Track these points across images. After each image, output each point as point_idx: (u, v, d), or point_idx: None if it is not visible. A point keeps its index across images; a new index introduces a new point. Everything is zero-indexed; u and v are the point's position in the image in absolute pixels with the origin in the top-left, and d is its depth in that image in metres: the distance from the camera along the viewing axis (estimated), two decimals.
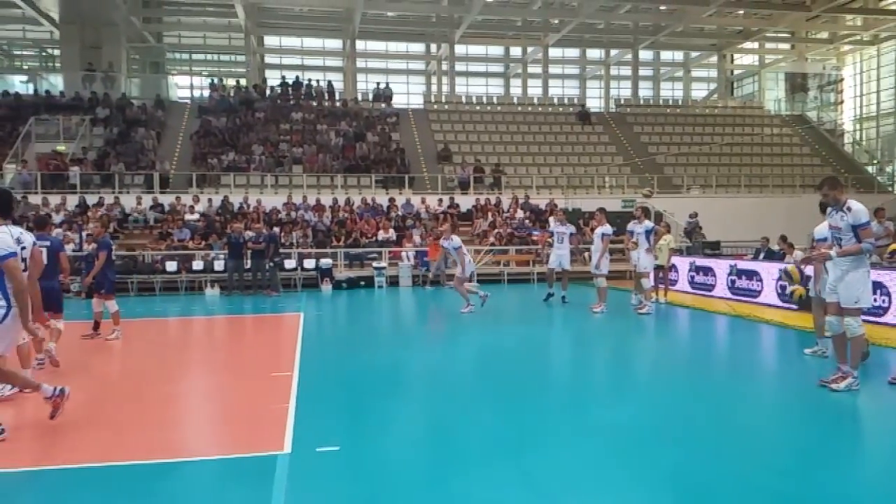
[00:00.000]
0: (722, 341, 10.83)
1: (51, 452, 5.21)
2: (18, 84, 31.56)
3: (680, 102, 38.57)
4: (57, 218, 19.68)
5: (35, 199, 21.44)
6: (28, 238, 6.02)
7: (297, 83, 31.66)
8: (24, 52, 39.93)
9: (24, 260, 5.80)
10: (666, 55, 43.98)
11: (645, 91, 41.94)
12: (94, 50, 30.74)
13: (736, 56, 43.53)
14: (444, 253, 14.86)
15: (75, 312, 12.30)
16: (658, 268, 14.18)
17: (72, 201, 21.47)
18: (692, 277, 16.57)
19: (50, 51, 37.85)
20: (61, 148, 24.79)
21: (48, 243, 8.31)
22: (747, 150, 32.20)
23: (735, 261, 15.64)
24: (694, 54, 43.11)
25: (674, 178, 29.04)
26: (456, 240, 13.27)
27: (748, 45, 39.89)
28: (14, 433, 5.58)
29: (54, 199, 21.37)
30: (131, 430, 5.74)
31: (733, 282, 15.01)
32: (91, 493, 4.35)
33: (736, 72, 45.15)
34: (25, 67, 38.37)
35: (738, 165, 30.84)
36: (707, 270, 16.06)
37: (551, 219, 16.63)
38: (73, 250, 17.34)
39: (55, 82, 30.83)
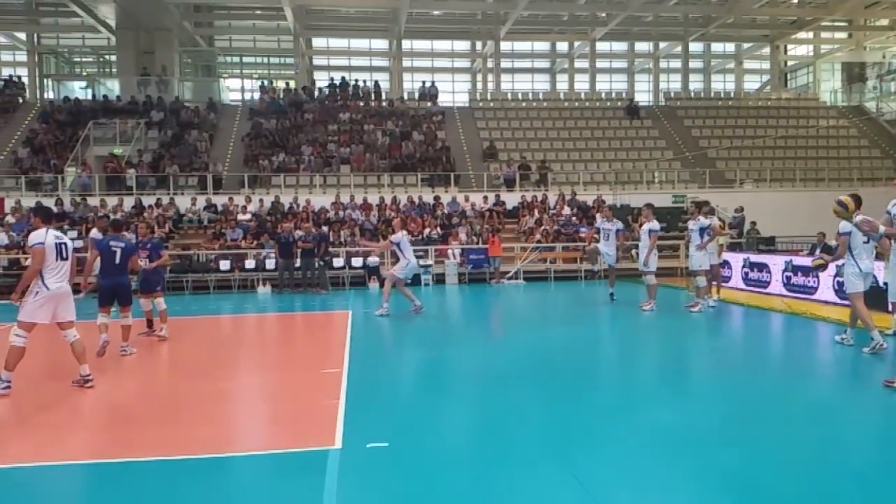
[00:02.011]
0: (777, 339, 10.57)
1: (111, 446, 5.40)
2: (78, 90, 32.67)
3: (732, 95, 37.67)
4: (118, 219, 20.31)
5: (93, 201, 22.22)
6: (66, 238, 7.30)
7: (345, 84, 32.04)
8: (84, 59, 41.37)
9: (63, 255, 7.09)
10: (717, 47, 43.00)
11: (695, 84, 41.07)
12: (148, 55, 31.66)
13: (789, 47, 42.29)
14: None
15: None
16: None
17: (128, 203, 22.16)
18: (746, 274, 16.21)
19: (107, 57, 39.10)
20: (118, 151, 25.62)
21: (122, 244, 9.19)
22: (802, 143, 31.27)
23: (790, 257, 15.24)
24: (746, 46, 42.03)
25: (726, 173, 28.41)
26: (399, 235, 13.15)
27: (802, 35, 38.68)
28: (77, 426, 5.82)
29: (112, 201, 22.09)
30: (188, 425, 5.92)
31: (789, 278, 14.62)
32: (150, 486, 4.50)
33: (789, 63, 43.83)
34: (84, 74, 39.71)
35: (793, 159, 29.98)
36: (761, 267, 15.68)
37: (598, 215, 16.46)
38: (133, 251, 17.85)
39: (112, 87, 31.83)
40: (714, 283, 14.13)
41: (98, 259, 9.15)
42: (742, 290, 15.93)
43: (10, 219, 20.81)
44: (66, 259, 7.14)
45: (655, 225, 13.13)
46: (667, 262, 18.55)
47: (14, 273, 17.98)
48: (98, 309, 9.19)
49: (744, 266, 16.31)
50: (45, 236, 6.98)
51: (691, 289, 13.32)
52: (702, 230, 12.64)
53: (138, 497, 4.31)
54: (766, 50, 41.16)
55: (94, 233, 15.02)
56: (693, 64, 40.71)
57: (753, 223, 22.06)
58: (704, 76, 43.66)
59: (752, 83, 43.94)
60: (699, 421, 5.75)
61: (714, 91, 39.73)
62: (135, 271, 10.08)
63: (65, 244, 7.18)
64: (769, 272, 15.33)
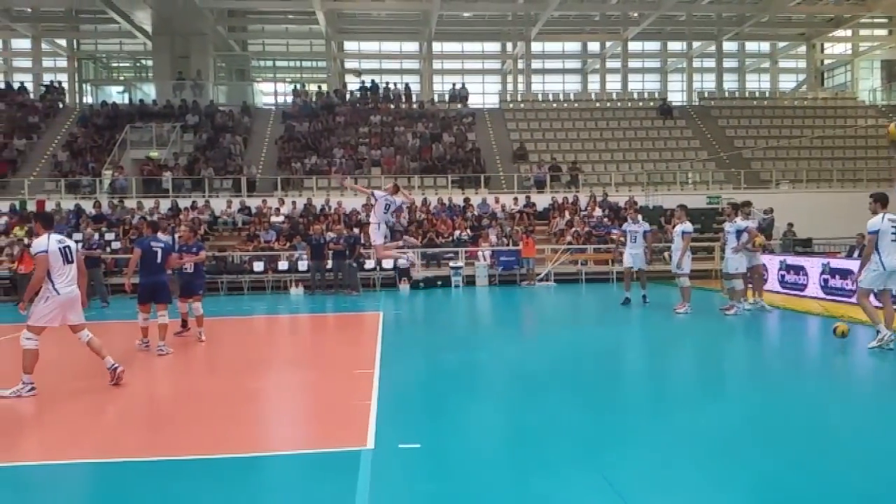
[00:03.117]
0: (815, 343, 10.38)
1: (147, 445, 5.50)
2: (115, 94, 33.39)
3: (767, 94, 37.03)
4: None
5: (130, 204, 22.67)
6: (69, 242, 7.38)
7: (375, 86, 32.24)
8: (121, 64, 42.24)
9: (69, 259, 7.15)
10: (751, 46, 42.33)
11: (730, 83, 40.47)
12: (183, 59, 32.18)
13: (826, 45, 41.46)
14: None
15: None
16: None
17: (164, 205, 22.56)
18: (782, 277, 15.93)
19: (143, 62, 39.86)
20: (154, 154, 26.10)
21: (162, 244, 9.61)
22: (840, 143, 30.60)
23: (828, 259, 14.94)
24: (781, 44, 41.32)
25: (762, 173, 27.95)
26: (381, 193, 11.69)
27: (840, 32, 37.90)
28: (112, 425, 5.96)
29: (148, 203, 22.51)
30: (223, 424, 6.01)
31: (826, 281, 14.34)
32: (187, 484, 4.58)
33: (826, 61, 42.96)
34: (122, 78, 40.54)
35: (830, 159, 29.36)
36: (798, 269, 15.40)
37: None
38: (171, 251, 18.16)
39: (148, 91, 32.43)
40: (750, 285, 13.82)
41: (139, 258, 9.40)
42: (778, 292, 15.66)
43: None
44: (72, 262, 7.20)
45: (689, 226, 12.97)
46: (701, 264, 18.32)
47: None
48: (138, 307, 9.41)
49: (780, 268, 16.03)
50: (47, 243, 6.99)
51: (725, 291, 13.13)
52: (738, 232, 12.44)
53: (172, 496, 4.39)
54: (802, 48, 40.41)
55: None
56: (727, 63, 40.13)
57: (790, 225, 21.67)
58: (739, 75, 43.00)
59: (787, 82, 43.18)
60: (733, 426, 5.68)
61: (749, 90, 39.11)
62: (172, 269, 10.29)
63: (69, 247, 7.23)
64: (806, 275, 15.05)
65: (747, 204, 13.17)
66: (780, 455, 4.94)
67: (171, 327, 9.99)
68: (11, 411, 6.53)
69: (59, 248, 7.08)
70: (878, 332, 8.58)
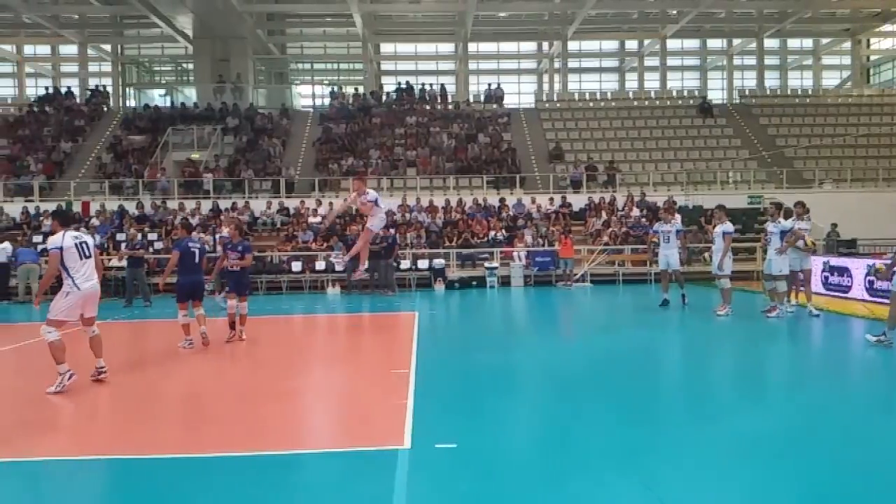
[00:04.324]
0: (859, 347, 10.10)
1: (183, 442, 5.63)
2: (158, 98, 34.13)
3: (810, 92, 36.18)
4: (192, 222, 21.13)
5: (172, 205, 23.15)
6: (86, 237, 7.54)
7: (411, 88, 32.38)
8: (163, 68, 43.19)
9: (85, 254, 7.29)
10: (794, 42, 41.48)
11: (771, 81, 39.70)
12: (223, 63, 32.77)
13: (872, 40, 40.38)
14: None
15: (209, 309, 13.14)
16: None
17: (205, 206, 22.98)
18: (826, 278, 15.55)
19: (185, 65, 40.68)
20: (195, 156, 26.62)
21: (198, 245, 9.93)
22: (886, 141, 29.73)
23: (873, 260, 14.52)
24: (825, 41, 40.38)
25: (804, 173, 27.34)
26: (371, 193, 11.72)
27: (887, 27, 36.88)
28: (148, 421, 6.11)
29: (189, 204, 22.97)
30: (261, 421, 6.10)
31: (871, 283, 13.95)
32: (227, 480, 4.66)
33: (872, 57, 41.83)
34: (163, 82, 41.43)
35: (876, 158, 28.59)
36: (842, 271, 15.03)
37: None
38: (207, 252, 18.48)
39: (189, 95, 33.10)
40: (802, 287, 13.41)
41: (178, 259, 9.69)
42: (822, 294, 15.29)
43: (94, 221, 21.88)
44: (90, 257, 7.35)
45: (729, 226, 12.72)
46: (742, 265, 17.99)
47: None
48: (178, 306, 9.65)
49: (823, 270, 15.66)
50: (61, 240, 7.12)
51: (767, 293, 12.86)
52: (782, 233, 12.15)
53: (213, 492, 4.47)
54: (847, 44, 39.44)
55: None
56: (768, 60, 39.37)
57: (834, 225, 21.16)
58: (781, 73, 42.17)
59: (831, 79, 42.18)
60: (776, 432, 5.56)
61: (791, 88, 38.26)
62: (208, 271, 10.56)
63: (85, 243, 7.37)
64: (850, 276, 14.67)
65: (800, 204, 12.75)
66: (824, 463, 4.84)
67: (221, 332, 10.25)
68: (52, 408, 6.71)
69: (76, 244, 7.22)
70: None
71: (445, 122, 29.55)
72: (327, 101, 33.01)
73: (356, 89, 34.29)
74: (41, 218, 22.12)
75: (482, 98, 32.76)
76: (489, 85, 33.72)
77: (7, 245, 18.07)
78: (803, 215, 12.58)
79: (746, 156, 28.09)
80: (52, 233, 7.50)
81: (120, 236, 20.75)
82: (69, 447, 5.55)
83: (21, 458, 5.13)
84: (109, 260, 18.35)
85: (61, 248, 7.11)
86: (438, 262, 19.73)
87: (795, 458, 4.94)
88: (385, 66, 42.56)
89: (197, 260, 9.72)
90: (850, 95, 35.07)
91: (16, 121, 30.01)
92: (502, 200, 23.69)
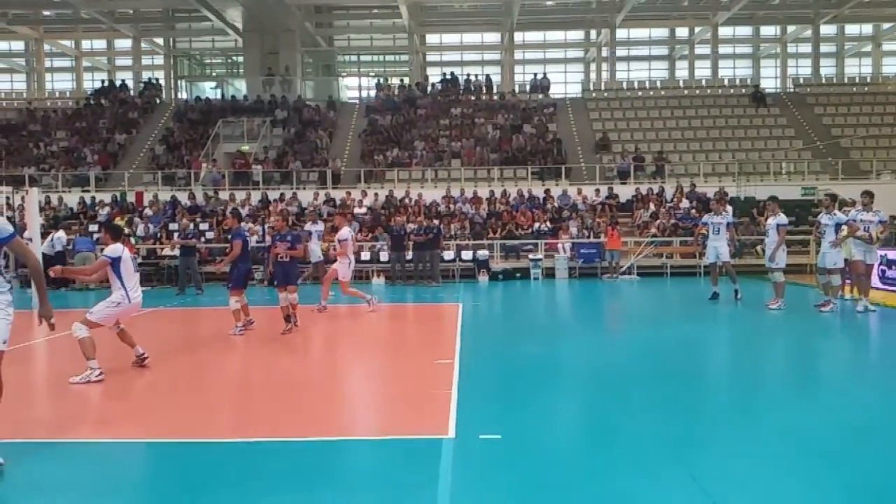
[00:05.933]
0: None
1: (241, 427, 5.76)
2: (208, 90, 34.83)
3: (868, 80, 34.86)
4: (242, 212, 21.53)
5: (223, 195, 23.62)
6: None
7: (455, 78, 32.31)
8: (214, 61, 44.02)
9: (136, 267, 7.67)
10: (851, 29, 40.02)
11: (827, 69, 38.40)
12: (272, 56, 33.23)
13: None
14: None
15: (258, 299, 13.39)
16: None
17: (255, 197, 23.39)
18: (883, 272, 14.99)
19: (235, 58, 41.38)
20: (244, 148, 27.09)
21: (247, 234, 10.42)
22: None
23: None
24: (886, 26, 38.82)
25: (861, 163, 26.41)
26: (345, 232, 12.67)
27: None
28: (195, 407, 6.26)
29: (240, 195, 23.40)
30: (308, 408, 6.21)
31: None
32: (274, 465, 4.74)
33: None
34: (214, 75, 42.24)
35: None
36: None
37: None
38: (257, 242, 18.84)
39: (239, 87, 33.66)
40: (849, 281, 13.03)
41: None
42: (878, 289, 14.75)
43: (148, 211, 22.47)
44: (138, 271, 7.85)
45: (783, 218, 12.38)
46: (795, 258, 17.49)
47: (150, 262, 19.34)
48: (232, 293, 9.86)
49: (881, 264, 15.11)
50: (121, 251, 7.33)
51: (821, 287, 12.48)
52: (837, 225, 11.77)
53: (260, 477, 4.52)
54: None
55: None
56: (824, 48, 38.09)
57: (892, 217, 20.38)
58: (837, 60, 40.76)
59: (891, 66, 40.56)
60: (827, 427, 5.41)
61: (848, 76, 36.95)
62: (258, 261, 10.86)
63: (134, 258, 7.92)
64: None
65: (867, 194, 12.21)
66: (876, 461, 4.68)
67: (276, 321, 10.40)
68: (109, 395, 6.93)
69: (131, 257, 7.64)
70: None
71: (490, 113, 29.43)
72: (373, 92, 33.19)
73: (401, 81, 34.39)
74: (96, 208, 22.84)
75: (528, 88, 32.49)
76: (535, 75, 33.39)
77: (62, 234, 18.64)
78: (869, 205, 12.05)
79: (800, 146, 27.28)
80: (104, 244, 7.91)
81: (172, 226, 21.27)
82: (125, 431, 5.69)
83: (86, 440, 5.33)
84: (162, 249, 18.83)
85: (119, 259, 7.29)
86: (482, 254, 19.69)
87: (844, 455, 4.80)
88: (430, 56, 42.57)
89: (249, 248, 10.10)
90: None
91: (73, 113, 31.00)
92: (547, 192, 23.49)
